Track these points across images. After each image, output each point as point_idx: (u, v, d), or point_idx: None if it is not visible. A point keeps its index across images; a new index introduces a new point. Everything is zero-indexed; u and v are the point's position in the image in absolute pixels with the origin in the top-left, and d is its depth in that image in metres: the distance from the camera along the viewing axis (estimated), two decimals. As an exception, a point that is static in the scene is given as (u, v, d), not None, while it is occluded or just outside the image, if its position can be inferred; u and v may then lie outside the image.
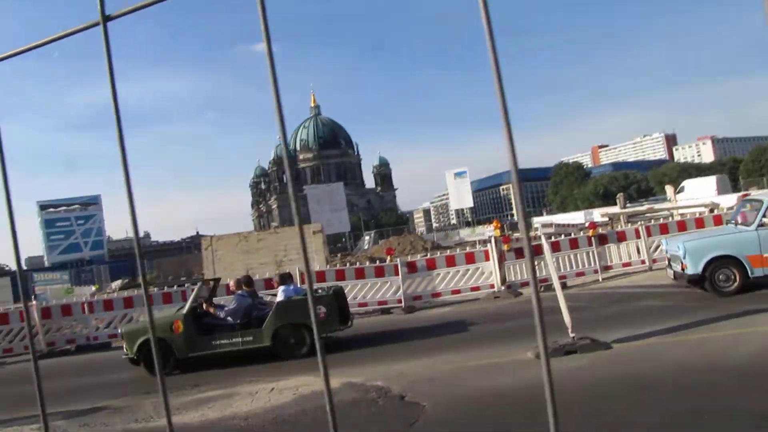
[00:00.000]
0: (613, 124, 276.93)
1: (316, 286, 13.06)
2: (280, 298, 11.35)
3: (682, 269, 11.09)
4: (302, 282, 14.02)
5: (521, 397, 6.48)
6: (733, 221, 11.88)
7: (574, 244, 15.85)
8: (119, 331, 11.86)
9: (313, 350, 10.07)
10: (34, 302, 17.85)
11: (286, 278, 11.97)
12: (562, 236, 17.40)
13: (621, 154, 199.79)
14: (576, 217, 41.51)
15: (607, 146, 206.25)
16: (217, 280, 13.12)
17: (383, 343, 11.34)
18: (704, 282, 10.81)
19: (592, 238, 15.83)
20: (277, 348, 10.75)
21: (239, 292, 11.39)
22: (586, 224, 23.01)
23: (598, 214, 34.61)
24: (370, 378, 8.49)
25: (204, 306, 11.50)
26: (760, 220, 10.72)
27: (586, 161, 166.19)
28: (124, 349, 11.18)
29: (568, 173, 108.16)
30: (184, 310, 11.15)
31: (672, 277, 11.77)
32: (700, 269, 10.69)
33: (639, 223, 18.59)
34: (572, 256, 15.66)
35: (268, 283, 16.57)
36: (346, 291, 14.36)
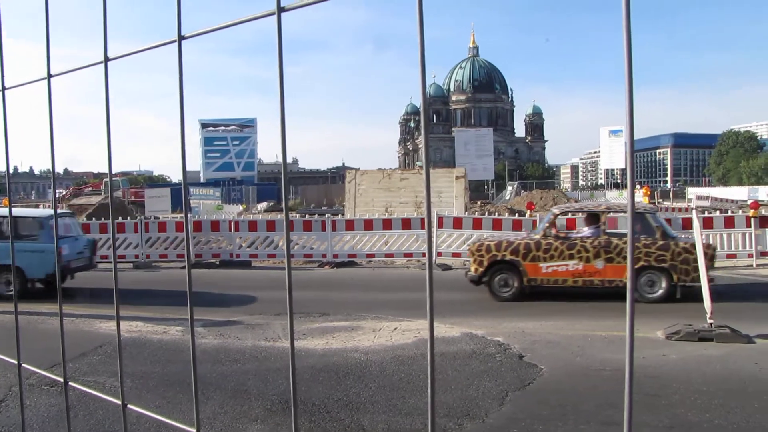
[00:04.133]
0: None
1: None
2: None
3: None
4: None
5: (643, 377, 6.23)
6: None
7: (729, 222, 14.75)
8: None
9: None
10: (190, 215, 19.23)
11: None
12: (717, 212, 16.24)
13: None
14: (737, 193, 38.62)
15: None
16: None
17: (511, 300, 11.27)
18: None
19: (752, 219, 14.63)
20: None
21: None
22: (748, 202, 21.30)
23: (764, 193, 32.04)
24: (492, 332, 8.50)
25: None
26: None
27: (762, 132, 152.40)
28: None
29: (736, 143, 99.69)
30: None
31: None
32: None
33: (810, 208, 16.94)
34: (725, 236, 14.61)
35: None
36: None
